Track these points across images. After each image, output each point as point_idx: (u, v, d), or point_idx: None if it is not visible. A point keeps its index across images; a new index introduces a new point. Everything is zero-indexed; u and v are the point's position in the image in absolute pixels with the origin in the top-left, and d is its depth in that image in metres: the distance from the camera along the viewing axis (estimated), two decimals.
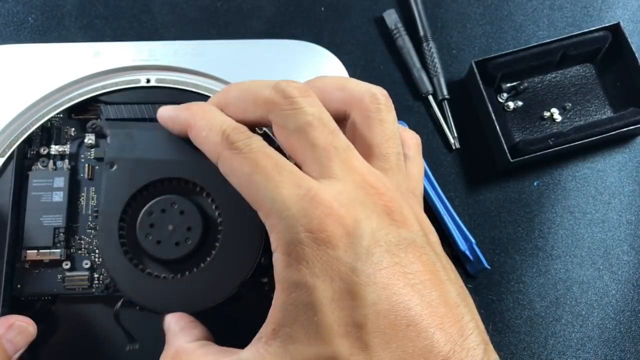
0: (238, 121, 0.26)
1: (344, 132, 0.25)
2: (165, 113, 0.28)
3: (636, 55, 0.43)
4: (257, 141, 0.24)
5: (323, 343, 0.21)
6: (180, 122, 0.27)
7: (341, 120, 0.26)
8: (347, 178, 0.23)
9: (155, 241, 0.29)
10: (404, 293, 0.21)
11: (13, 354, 0.28)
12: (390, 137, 0.25)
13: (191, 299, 0.28)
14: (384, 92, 0.26)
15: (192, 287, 0.28)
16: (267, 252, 0.28)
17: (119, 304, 0.30)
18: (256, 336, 0.23)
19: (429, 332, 0.21)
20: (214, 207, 0.29)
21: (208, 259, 0.28)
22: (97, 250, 0.31)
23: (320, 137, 0.24)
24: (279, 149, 0.25)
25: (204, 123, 0.26)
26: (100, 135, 0.32)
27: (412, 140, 0.29)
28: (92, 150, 0.33)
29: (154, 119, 0.30)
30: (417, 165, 0.28)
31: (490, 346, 0.23)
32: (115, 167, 0.29)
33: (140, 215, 0.29)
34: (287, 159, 0.24)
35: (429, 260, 0.23)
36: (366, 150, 0.25)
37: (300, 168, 0.24)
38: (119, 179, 0.29)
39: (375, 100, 0.26)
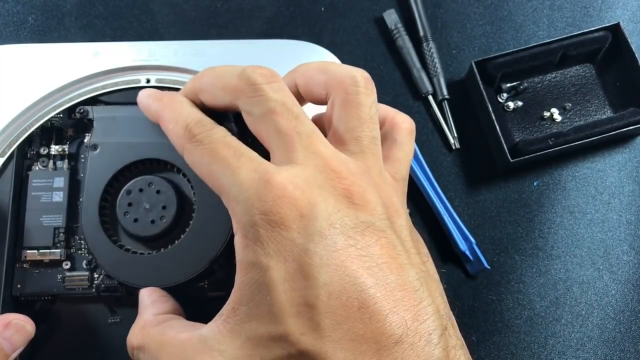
0: (211, 106, 0.27)
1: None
2: (142, 100, 0.29)
3: (636, 55, 0.43)
4: (218, 132, 0.25)
5: (275, 322, 0.21)
6: (152, 113, 0.28)
7: (325, 103, 0.27)
8: (309, 162, 0.23)
9: (133, 219, 0.30)
10: (357, 275, 0.22)
11: (11, 352, 0.28)
12: (365, 120, 0.25)
13: (166, 274, 0.29)
14: (366, 74, 0.26)
15: (166, 263, 0.29)
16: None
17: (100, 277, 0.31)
18: (218, 313, 0.23)
19: (382, 315, 0.21)
20: (190, 187, 0.30)
21: (182, 236, 0.29)
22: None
23: (283, 123, 0.24)
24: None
25: (171, 116, 0.26)
26: (88, 119, 0.33)
27: (404, 124, 0.28)
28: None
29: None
30: (404, 150, 0.28)
31: (451, 331, 0.23)
32: (98, 150, 0.31)
33: (120, 194, 0.30)
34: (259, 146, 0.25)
35: (389, 243, 0.23)
36: (340, 133, 0.25)
37: (270, 154, 0.24)
38: (101, 161, 0.30)
39: (354, 82, 0.26)
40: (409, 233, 0.25)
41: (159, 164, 0.31)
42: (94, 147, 0.31)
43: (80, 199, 0.32)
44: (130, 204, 0.30)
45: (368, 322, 0.21)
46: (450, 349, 0.23)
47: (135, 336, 0.26)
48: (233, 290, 0.23)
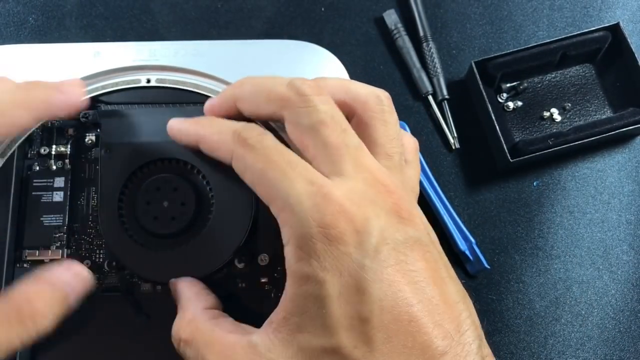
0: (250, 116, 0.27)
1: None
2: (175, 126, 0.29)
3: (636, 55, 0.43)
4: (270, 138, 0.25)
5: (329, 334, 0.22)
6: (190, 135, 0.28)
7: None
8: (358, 176, 0.24)
9: (153, 217, 0.30)
10: (407, 290, 0.22)
11: (72, 301, 0.28)
12: (393, 137, 0.26)
13: (191, 268, 0.29)
14: (387, 94, 0.27)
15: (190, 257, 0.29)
16: (258, 233, 0.30)
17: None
18: (267, 320, 0.24)
19: (428, 328, 0.22)
20: (204, 183, 0.30)
21: (203, 230, 0.29)
22: (98, 250, 0.31)
23: (333, 135, 0.24)
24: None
25: (215, 129, 0.26)
26: (93, 123, 0.33)
27: (411, 144, 0.29)
28: (93, 150, 0.33)
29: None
30: (414, 168, 0.29)
31: (484, 341, 0.24)
32: (110, 152, 0.31)
33: (137, 194, 0.30)
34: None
35: (432, 258, 0.24)
36: (371, 150, 0.26)
37: (311, 165, 0.24)
38: (115, 163, 0.31)
39: (379, 102, 0.26)
40: (441, 248, 0.26)
41: (171, 163, 0.31)
42: (105, 150, 0.31)
43: (95, 203, 0.32)
44: (148, 203, 0.30)
45: (416, 335, 0.22)
46: (486, 356, 0.24)
47: (183, 329, 0.26)
48: (282, 299, 0.23)
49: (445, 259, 0.25)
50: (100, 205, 0.30)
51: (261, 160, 0.24)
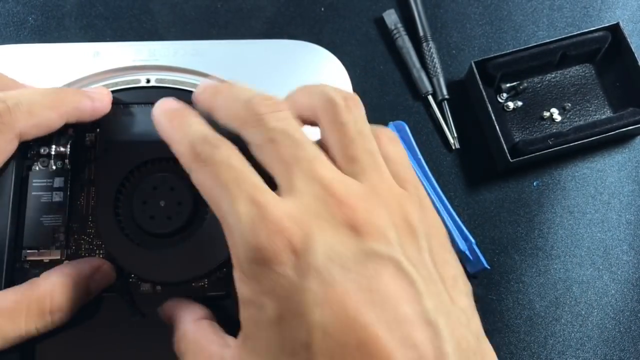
0: (224, 125, 0.25)
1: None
2: (155, 117, 0.27)
3: (636, 55, 0.43)
4: (223, 152, 0.23)
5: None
6: (162, 134, 0.27)
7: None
8: (307, 190, 0.22)
9: (149, 216, 0.30)
10: (357, 311, 0.20)
11: (93, 295, 0.29)
12: (353, 137, 0.24)
13: (188, 267, 0.29)
14: (343, 92, 0.25)
15: (187, 256, 0.29)
16: None
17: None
18: (238, 336, 0.23)
19: (384, 353, 0.20)
20: None
21: (199, 229, 0.29)
22: (98, 250, 0.31)
23: (283, 151, 0.23)
24: None
25: (178, 137, 0.25)
26: (92, 122, 0.33)
27: (386, 135, 0.26)
28: (92, 150, 0.33)
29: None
30: (398, 154, 0.26)
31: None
32: (108, 150, 0.31)
33: (134, 194, 0.30)
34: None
35: (398, 271, 0.21)
36: (334, 156, 0.24)
37: (272, 182, 0.23)
38: (113, 162, 0.31)
39: (331, 104, 0.24)
40: (430, 255, 0.23)
41: (169, 163, 0.31)
42: (104, 149, 0.31)
43: (92, 202, 0.32)
44: (145, 202, 0.30)
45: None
46: None
47: (178, 344, 0.26)
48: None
49: (429, 271, 0.22)
50: (96, 204, 0.30)
51: (209, 177, 0.23)
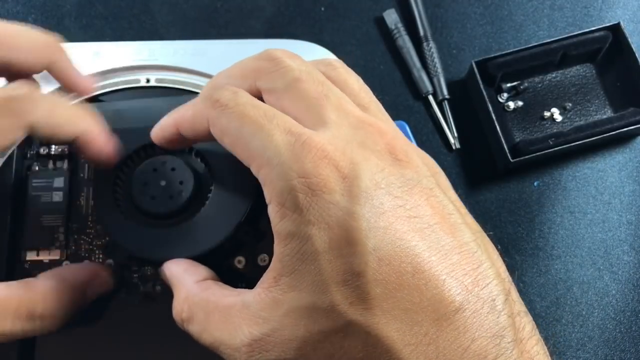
0: (241, 85, 0.25)
1: None
2: (155, 129, 0.27)
3: (636, 55, 0.43)
4: (243, 94, 0.23)
5: (320, 292, 0.20)
6: (169, 125, 0.26)
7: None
8: (343, 122, 0.22)
9: (150, 197, 0.29)
10: (409, 238, 0.20)
11: (90, 300, 0.28)
12: (360, 89, 0.25)
13: (191, 245, 0.28)
14: (336, 59, 0.25)
15: (191, 234, 0.28)
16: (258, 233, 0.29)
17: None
18: (260, 280, 0.22)
19: (439, 281, 0.20)
20: (199, 160, 0.30)
21: (202, 208, 0.29)
22: (97, 250, 0.31)
23: (311, 89, 0.23)
24: None
25: (187, 105, 0.25)
26: None
27: (329, 65, 0.26)
28: None
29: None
30: (349, 79, 0.26)
31: (514, 296, 0.22)
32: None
33: (133, 176, 0.29)
34: None
35: (439, 203, 0.21)
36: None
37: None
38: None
39: (332, 67, 0.25)
40: (455, 194, 0.24)
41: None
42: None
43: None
44: (145, 184, 0.29)
45: (424, 289, 0.19)
46: (515, 315, 0.21)
47: (181, 309, 0.24)
48: (273, 259, 0.22)
49: (460, 205, 0.23)
50: (96, 190, 0.30)
51: (236, 118, 0.22)
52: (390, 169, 0.21)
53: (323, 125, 0.22)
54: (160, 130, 0.27)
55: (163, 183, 0.29)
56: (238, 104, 0.22)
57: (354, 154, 0.21)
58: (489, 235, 0.24)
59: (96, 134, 0.28)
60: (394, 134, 0.22)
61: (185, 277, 0.25)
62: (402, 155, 0.22)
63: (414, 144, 0.25)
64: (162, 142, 0.27)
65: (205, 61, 0.36)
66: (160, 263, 0.29)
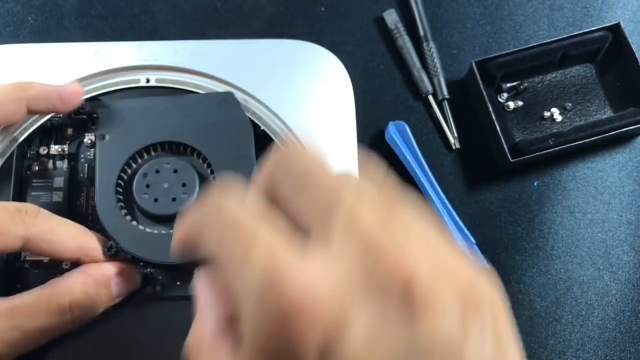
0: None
1: None
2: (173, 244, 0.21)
3: (636, 55, 0.43)
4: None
5: None
6: (187, 236, 0.20)
7: None
8: (347, 242, 0.16)
9: (153, 199, 0.29)
10: None
11: (116, 297, 0.29)
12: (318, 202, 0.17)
13: None
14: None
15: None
16: None
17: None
18: None
19: None
20: (201, 162, 0.30)
21: None
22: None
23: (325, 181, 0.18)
24: None
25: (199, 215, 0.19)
26: (90, 116, 0.33)
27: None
28: (92, 150, 0.33)
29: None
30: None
31: None
32: (106, 139, 0.31)
33: (136, 178, 0.30)
34: None
35: None
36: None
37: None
38: (112, 149, 0.31)
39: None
40: (496, 342, 0.16)
41: (171, 147, 0.31)
42: (102, 136, 0.31)
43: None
44: (148, 186, 0.30)
45: None
46: None
47: (192, 348, 0.19)
48: None
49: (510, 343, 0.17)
50: (97, 190, 0.30)
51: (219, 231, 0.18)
52: (394, 329, 0.15)
53: (323, 245, 0.16)
54: (181, 244, 0.21)
55: (166, 185, 0.29)
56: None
57: (346, 302, 0.15)
58: (488, 270, 0.18)
59: (94, 256, 0.29)
60: (415, 264, 0.15)
61: (208, 310, 0.20)
62: (422, 302, 0.15)
63: (470, 259, 0.17)
64: (182, 253, 0.21)
65: (205, 61, 0.36)
66: (161, 264, 0.29)
